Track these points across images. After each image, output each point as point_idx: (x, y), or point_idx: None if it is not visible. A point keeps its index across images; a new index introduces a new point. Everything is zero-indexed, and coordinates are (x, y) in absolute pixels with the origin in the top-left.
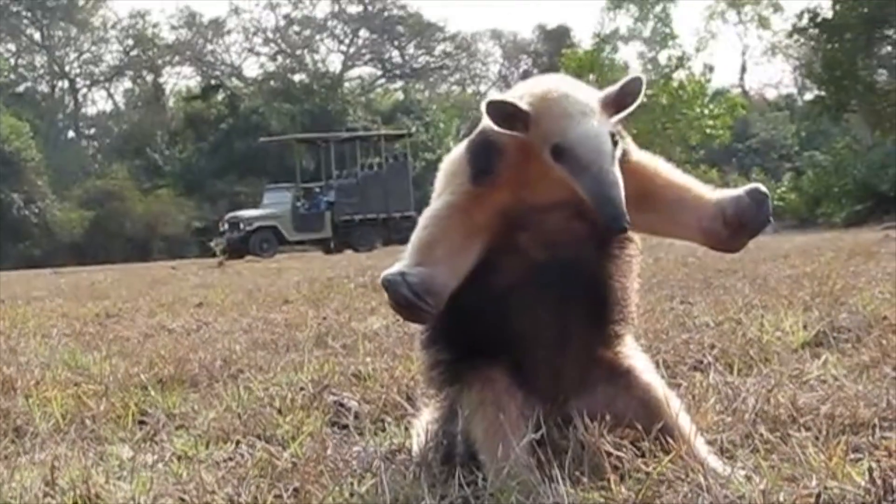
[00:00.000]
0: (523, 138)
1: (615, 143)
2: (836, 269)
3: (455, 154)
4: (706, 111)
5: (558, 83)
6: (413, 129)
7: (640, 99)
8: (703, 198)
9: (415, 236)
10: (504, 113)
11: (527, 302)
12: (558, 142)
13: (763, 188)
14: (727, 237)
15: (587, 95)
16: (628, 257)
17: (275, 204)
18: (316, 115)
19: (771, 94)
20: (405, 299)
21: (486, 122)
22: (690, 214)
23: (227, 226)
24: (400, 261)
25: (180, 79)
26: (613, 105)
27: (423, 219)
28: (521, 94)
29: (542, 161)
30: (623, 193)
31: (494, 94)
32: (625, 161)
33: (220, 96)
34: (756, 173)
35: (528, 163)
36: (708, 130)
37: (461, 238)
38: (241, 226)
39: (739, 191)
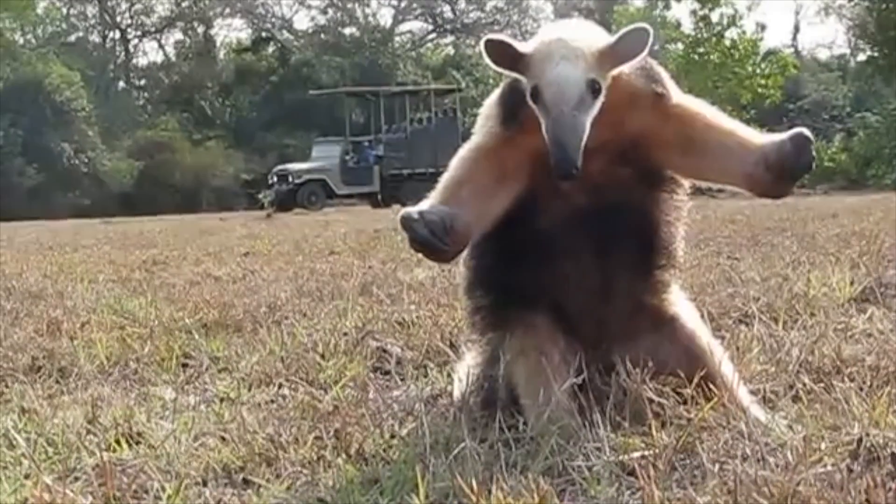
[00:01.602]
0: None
1: (596, 91)
2: (884, 228)
3: (490, 98)
4: (758, 70)
5: (566, 27)
6: (463, 85)
7: (647, 50)
8: (747, 142)
9: (444, 176)
10: (500, 52)
11: (570, 247)
12: (535, 83)
13: (807, 132)
14: (770, 182)
15: (585, 42)
16: (676, 202)
17: (323, 157)
18: (366, 69)
19: (823, 55)
20: (421, 237)
21: None
22: (734, 159)
23: (275, 178)
24: (425, 200)
25: (231, 31)
26: (611, 55)
27: (455, 160)
28: (534, 39)
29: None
30: (582, 142)
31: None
32: (664, 104)
33: (270, 49)
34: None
35: None
36: (759, 90)
37: (490, 180)
38: (290, 178)
39: (783, 136)
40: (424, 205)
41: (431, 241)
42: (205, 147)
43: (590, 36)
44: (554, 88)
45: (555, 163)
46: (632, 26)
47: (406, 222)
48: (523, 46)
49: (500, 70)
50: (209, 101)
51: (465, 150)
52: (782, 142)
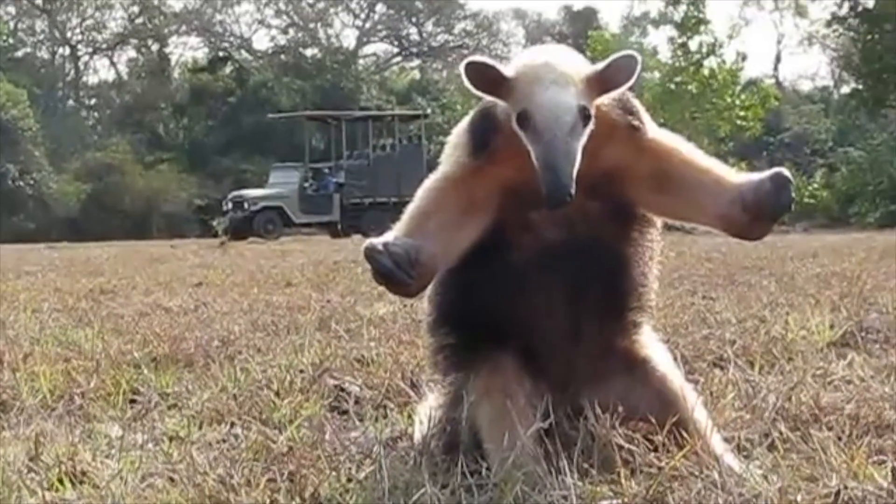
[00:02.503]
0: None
1: (586, 119)
2: (866, 269)
3: (459, 126)
4: (737, 101)
5: (550, 52)
6: (429, 111)
7: (634, 78)
8: (723, 181)
9: (409, 208)
10: (483, 76)
11: (539, 284)
12: (524, 107)
13: (786, 172)
14: (747, 223)
15: (573, 68)
16: (648, 241)
17: (281, 184)
18: (327, 93)
19: (805, 87)
20: (385, 269)
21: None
22: (709, 198)
23: (230, 205)
24: (388, 232)
25: (187, 49)
26: (599, 82)
27: (420, 191)
28: (514, 63)
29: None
30: (575, 169)
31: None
32: (640, 139)
33: (227, 69)
34: (788, 168)
35: None
36: (738, 122)
37: (457, 212)
38: (246, 205)
39: (762, 175)
40: (389, 236)
41: (396, 274)
42: (157, 170)
43: (574, 62)
44: (546, 113)
45: (548, 190)
46: (620, 53)
47: (370, 253)
48: (507, 70)
49: (480, 94)
50: (162, 122)
51: (431, 180)
52: (761, 181)
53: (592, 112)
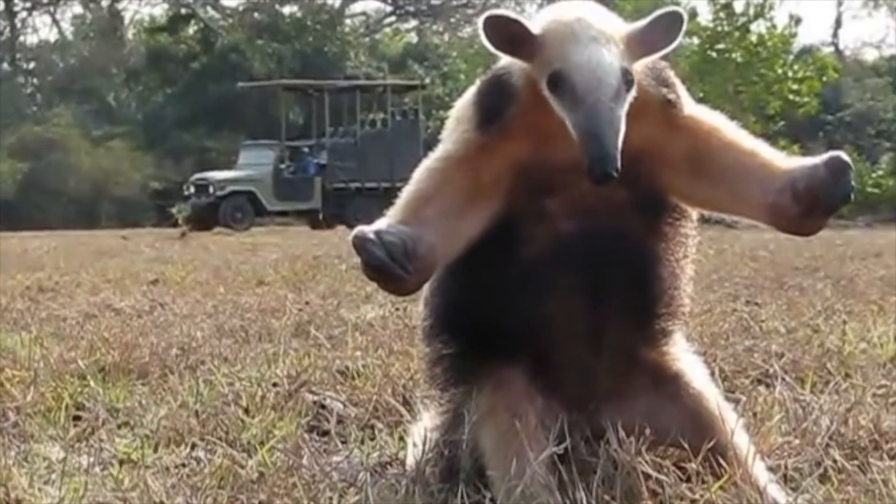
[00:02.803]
0: (531, 72)
1: (628, 83)
2: None
3: (464, 98)
4: (789, 73)
5: (580, 8)
6: (427, 80)
7: (679, 39)
8: (771, 166)
9: (405, 191)
10: (505, 33)
11: (554, 283)
12: (558, 68)
13: (844, 156)
14: (797, 215)
15: (611, 25)
16: (681, 236)
17: (253, 165)
18: (308, 58)
19: (870, 56)
20: (377, 261)
21: (502, 61)
22: (754, 185)
23: (192, 189)
24: (381, 219)
25: (143, 5)
26: (640, 43)
27: (418, 172)
28: (538, 20)
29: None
30: (620, 137)
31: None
32: (675, 115)
33: (191, 29)
34: (848, 152)
35: (548, 109)
36: (791, 97)
37: (460, 196)
38: (211, 190)
39: (816, 160)
40: (381, 223)
41: (390, 267)
42: (106, 147)
43: (610, 19)
44: (587, 74)
45: (591, 161)
46: (664, 9)
47: (360, 243)
48: (533, 27)
49: (500, 54)
50: (114, 91)
51: (431, 160)
52: (815, 167)
53: (635, 77)
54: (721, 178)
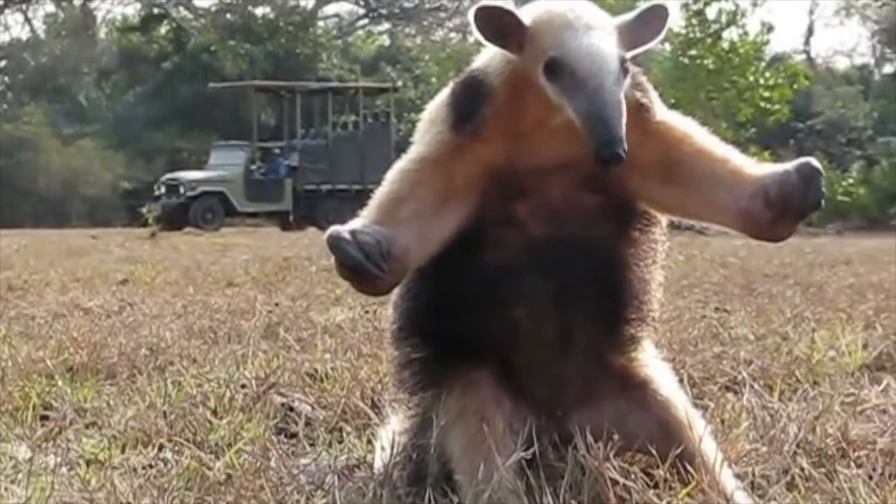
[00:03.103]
0: (516, 67)
1: (625, 71)
2: None
3: (436, 101)
4: (761, 80)
5: (568, 3)
6: (399, 83)
7: (664, 32)
8: (742, 173)
9: (378, 192)
10: (497, 24)
11: (523, 288)
12: (555, 55)
13: (815, 163)
14: (769, 221)
15: (602, 16)
16: (651, 241)
17: (224, 165)
18: (280, 60)
19: (842, 64)
20: (352, 261)
21: (477, 61)
22: (725, 191)
23: (163, 189)
24: (355, 220)
25: (115, 5)
26: (629, 35)
27: (391, 173)
28: (526, 13)
29: (537, 96)
30: (624, 119)
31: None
32: (647, 120)
33: (163, 29)
34: (819, 159)
35: (524, 109)
36: (762, 104)
37: (433, 198)
38: (182, 190)
39: (787, 166)
40: (356, 224)
41: (365, 267)
42: (77, 147)
43: (598, 12)
44: (588, 59)
45: (598, 145)
46: (650, 3)
47: (334, 242)
48: (524, 17)
49: (489, 45)
50: (85, 90)
51: (405, 161)
52: (786, 173)
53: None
54: (692, 184)
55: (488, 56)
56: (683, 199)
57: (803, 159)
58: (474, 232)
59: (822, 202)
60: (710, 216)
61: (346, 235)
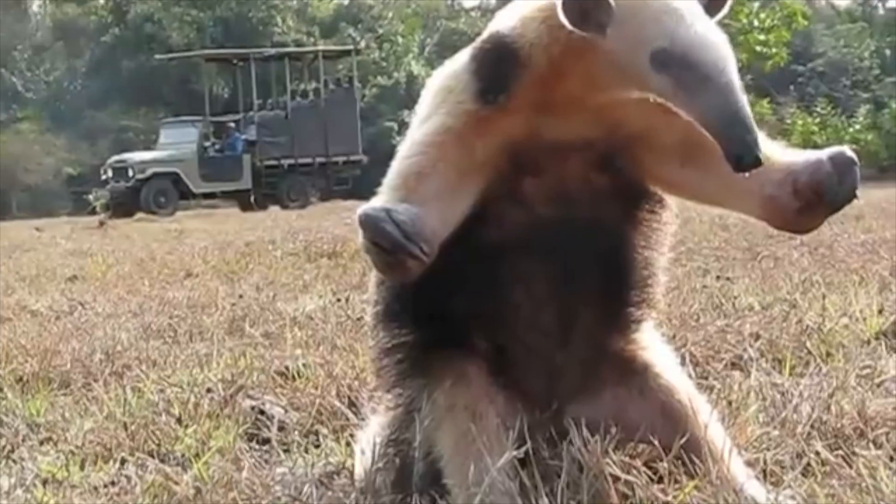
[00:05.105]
0: (571, 41)
1: None
2: None
3: (452, 67)
4: (756, 22)
5: None
6: (361, 44)
7: (727, 6)
8: (769, 157)
9: (395, 166)
10: (582, 7)
11: (523, 269)
12: (664, 46)
13: (850, 152)
14: (796, 211)
15: None
16: (659, 225)
17: (175, 144)
18: (231, 25)
19: (843, 1)
20: (391, 240)
21: (502, 26)
22: (751, 177)
23: (110, 173)
24: (377, 197)
25: None
26: (706, 8)
27: (409, 145)
28: None
29: (584, 73)
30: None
31: None
32: None
33: None
34: (821, 105)
35: (562, 84)
36: (758, 48)
37: (455, 174)
38: (131, 173)
39: (819, 154)
40: (380, 201)
41: (406, 247)
42: (14, 131)
43: None
44: (712, 52)
45: (740, 146)
46: None
47: (370, 221)
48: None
49: (575, 30)
50: (18, 69)
51: (424, 134)
52: (818, 161)
53: None
54: (713, 167)
55: (520, 21)
56: (703, 183)
57: (837, 148)
58: (476, 205)
59: (857, 195)
60: (731, 202)
61: (382, 213)
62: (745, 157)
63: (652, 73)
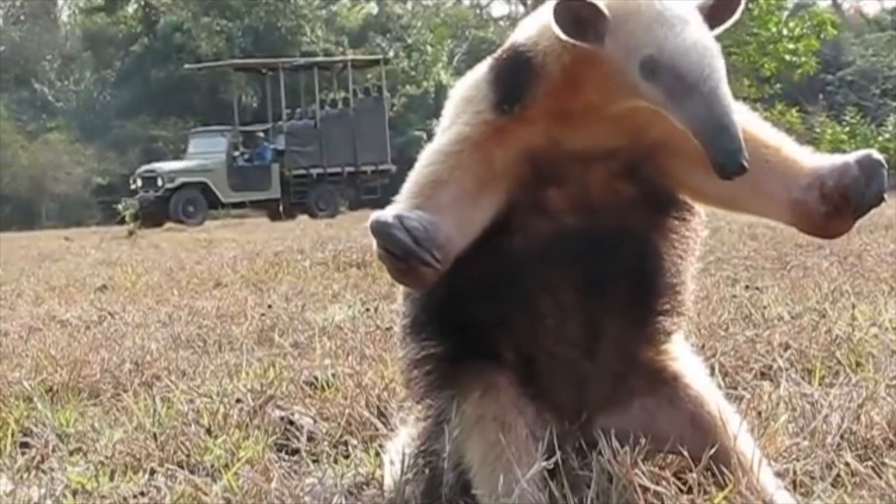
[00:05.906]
0: (579, 51)
1: None
2: None
3: (473, 77)
4: (785, 31)
5: None
6: (390, 54)
7: (740, 11)
8: (796, 161)
9: (414, 175)
10: (577, 17)
11: (549, 279)
12: (652, 54)
13: (877, 155)
14: (823, 216)
15: (684, 2)
16: (688, 233)
17: (204, 153)
18: (260, 35)
19: (871, 8)
20: (403, 248)
21: (520, 35)
22: (777, 181)
23: (139, 182)
24: (393, 205)
25: None
26: (709, 17)
27: (427, 154)
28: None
29: (597, 82)
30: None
31: None
32: None
33: (130, 8)
34: (850, 114)
35: (578, 93)
36: (787, 57)
37: (473, 183)
38: (160, 182)
39: (847, 157)
40: (395, 209)
41: (417, 254)
42: (44, 141)
43: None
44: (696, 59)
45: (724, 154)
46: None
47: (381, 228)
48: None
49: (571, 40)
50: (48, 79)
51: (442, 143)
52: (845, 164)
53: None
54: None
55: (536, 31)
56: (730, 189)
57: (864, 151)
58: (501, 217)
59: (885, 198)
60: (758, 208)
61: (393, 220)
62: (727, 165)
63: (642, 82)
